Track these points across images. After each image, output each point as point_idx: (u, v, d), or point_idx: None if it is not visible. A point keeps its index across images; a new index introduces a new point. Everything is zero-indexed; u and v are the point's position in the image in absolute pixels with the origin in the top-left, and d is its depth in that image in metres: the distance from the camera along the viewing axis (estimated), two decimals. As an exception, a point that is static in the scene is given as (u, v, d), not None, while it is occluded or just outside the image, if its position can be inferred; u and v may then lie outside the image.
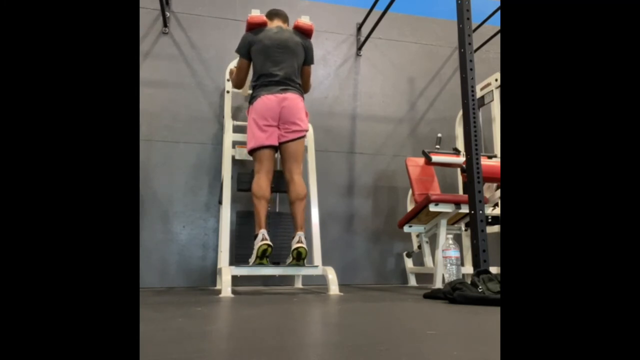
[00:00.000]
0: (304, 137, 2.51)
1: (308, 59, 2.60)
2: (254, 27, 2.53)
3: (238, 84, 2.69)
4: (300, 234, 2.38)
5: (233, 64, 2.99)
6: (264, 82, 2.48)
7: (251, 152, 2.50)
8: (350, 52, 3.63)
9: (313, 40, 2.70)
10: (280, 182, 2.66)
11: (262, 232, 2.34)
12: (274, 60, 2.48)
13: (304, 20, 2.59)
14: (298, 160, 2.51)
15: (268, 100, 2.43)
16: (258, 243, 2.31)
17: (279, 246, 2.69)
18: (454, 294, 1.76)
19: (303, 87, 2.62)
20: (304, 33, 2.58)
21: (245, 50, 2.53)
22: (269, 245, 2.30)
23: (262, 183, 2.43)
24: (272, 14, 2.64)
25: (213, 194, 3.11)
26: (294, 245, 2.35)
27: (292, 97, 2.46)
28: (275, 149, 2.49)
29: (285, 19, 2.65)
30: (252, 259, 2.37)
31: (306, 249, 2.34)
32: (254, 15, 2.54)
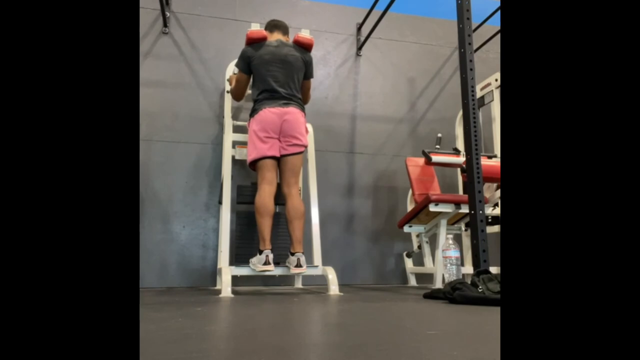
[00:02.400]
0: (302, 152, 2.51)
1: (308, 73, 2.61)
2: (254, 42, 2.52)
3: (237, 97, 2.69)
4: (299, 255, 2.35)
5: (232, 65, 2.99)
6: (266, 97, 2.48)
7: (252, 164, 2.49)
8: (350, 52, 3.63)
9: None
10: (280, 195, 2.65)
11: (267, 254, 2.32)
12: (275, 75, 2.48)
13: (304, 35, 2.58)
14: (296, 175, 2.50)
15: (270, 114, 2.43)
16: (260, 266, 2.32)
17: (279, 246, 2.70)
18: (454, 294, 1.76)
19: (302, 100, 2.62)
20: (304, 47, 2.58)
21: (245, 65, 2.53)
22: (269, 270, 2.31)
23: (265, 197, 2.40)
24: (272, 26, 2.63)
25: (213, 194, 3.11)
26: (293, 270, 2.34)
27: (293, 112, 2.46)
28: (277, 160, 2.48)
29: (285, 31, 2.65)
30: (254, 268, 2.37)
31: (305, 271, 2.35)
32: (254, 30, 2.53)
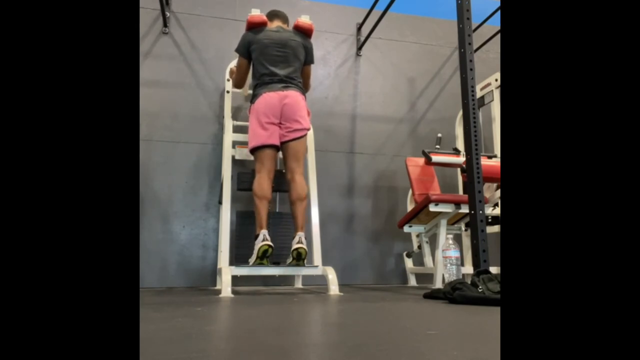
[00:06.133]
0: (305, 136, 2.51)
1: (308, 59, 2.60)
2: (254, 27, 2.52)
3: (238, 83, 2.69)
4: (300, 235, 2.38)
5: (233, 63, 2.99)
6: (265, 81, 2.47)
7: (252, 151, 2.49)
8: (350, 52, 3.63)
9: (313, 40, 2.70)
10: (281, 182, 2.65)
11: (263, 233, 2.34)
12: (275, 60, 2.48)
13: (304, 20, 2.58)
14: (299, 160, 2.50)
15: (269, 98, 2.43)
16: (259, 244, 2.31)
17: (279, 246, 2.69)
18: (454, 294, 1.76)
19: (303, 86, 2.62)
20: (304, 33, 2.57)
21: (245, 50, 2.53)
22: (269, 245, 2.30)
23: (263, 183, 2.42)
24: (272, 15, 2.64)
25: (213, 194, 3.11)
26: (294, 246, 2.34)
27: (293, 95, 2.46)
28: (276, 148, 2.48)
29: (285, 19, 2.65)
30: (252, 259, 2.37)
31: (306, 249, 2.34)
32: (254, 15, 2.53)
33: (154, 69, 3.18)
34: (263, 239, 2.31)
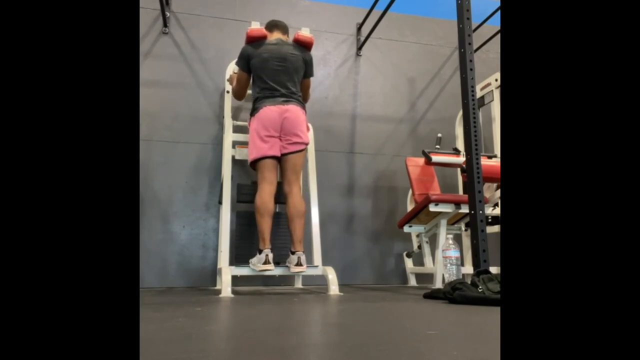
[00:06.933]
0: (304, 150, 2.51)
1: (308, 72, 2.61)
2: (254, 41, 2.52)
3: (238, 95, 2.70)
4: (299, 254, 2.36)
5: (232, 65, 2.99)
6: (266, 95, 2.48)
7: (253, 163, 2.49)
8: (350, 52, 3.63)
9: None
10: (281, 194, 2.65)
11: (266, 253, 2.33)
12: (275, 74, 2.48)
13: (304, 33, 2.59)
14: (297, 173, 2.51)
15: (270, 111, 2.43)
16: (260, 265, 2.32)
17: (279, 246, 2.70)
18: (454, 294, 1.76)
19: (302, 98, 2.62)
20: (304, 46, 2.58)
21: (245, 64, 2.54)
22: (269, 270, 2.32)
23: (265, 197, 2.40)
24: (272, 26, 2.63)
25: (213, 194, 3.11)
26: (293, 269, 2.34)
27: (293, 109, 2.46)
28: (277, 160, 2.48)
29: (285, 30, 2.65)
30: (253, 267, 2.38)
31: (305, 270, 2.36)
32: (254, 29, 2.53)
33: (154, 69, 3.18)
34: (265, 261, 2.31)
